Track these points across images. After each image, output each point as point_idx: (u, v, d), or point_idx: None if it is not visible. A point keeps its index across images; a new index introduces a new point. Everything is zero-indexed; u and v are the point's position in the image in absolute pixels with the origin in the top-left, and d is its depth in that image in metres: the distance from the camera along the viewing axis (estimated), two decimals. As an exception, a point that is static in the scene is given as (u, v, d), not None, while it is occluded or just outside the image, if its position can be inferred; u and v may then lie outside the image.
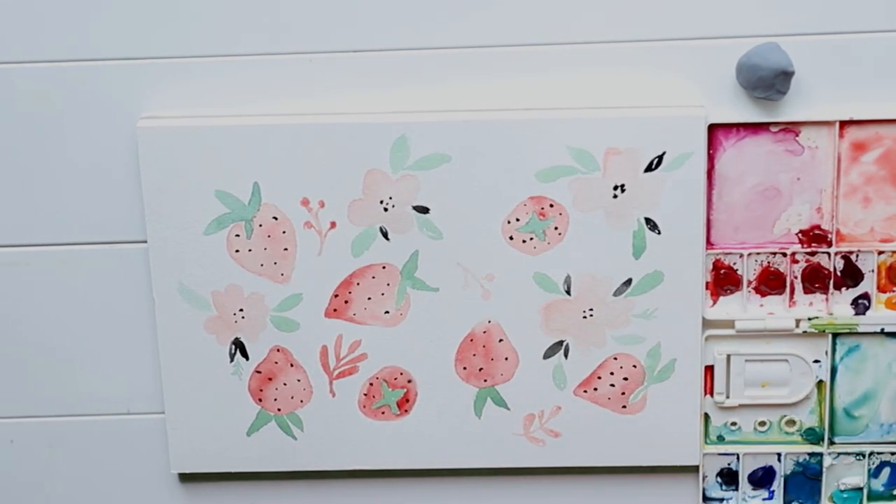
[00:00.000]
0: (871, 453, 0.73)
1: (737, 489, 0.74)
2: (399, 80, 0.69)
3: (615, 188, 0.68)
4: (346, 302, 0.71)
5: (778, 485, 0.74)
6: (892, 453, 0.73)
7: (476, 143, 0.68)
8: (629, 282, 0.69)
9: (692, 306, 0.70)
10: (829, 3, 0.67)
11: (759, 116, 0.68)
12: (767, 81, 0.67)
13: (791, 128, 0.69)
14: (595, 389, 0.71)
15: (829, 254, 0.70)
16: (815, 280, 0.70)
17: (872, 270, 0.70)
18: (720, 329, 0.71)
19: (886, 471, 0.73)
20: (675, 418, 0.72)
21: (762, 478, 0.74)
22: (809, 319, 0.71)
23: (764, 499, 0.74)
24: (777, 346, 0.71)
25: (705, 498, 0.75)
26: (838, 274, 0.70)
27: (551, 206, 0.69)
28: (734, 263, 0.70)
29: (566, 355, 0.71)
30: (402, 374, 0.72)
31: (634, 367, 0.71)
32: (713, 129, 0.69)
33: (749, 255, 0.70)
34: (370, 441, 0.73)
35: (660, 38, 0.68)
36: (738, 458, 0.74)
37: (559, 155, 0.68)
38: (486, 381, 0.72)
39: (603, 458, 0.73)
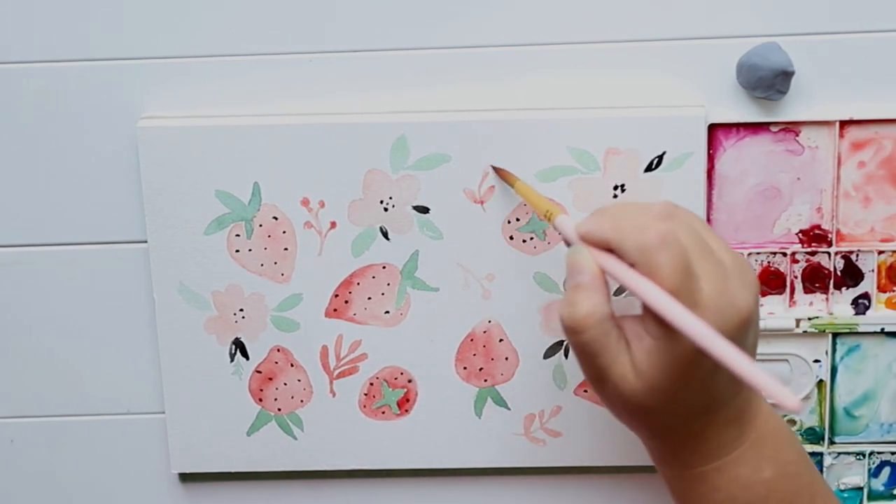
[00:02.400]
0: (871, 453, 0.73)
1: (737, 489, 0.74)
2: (399, 80, 0.69)
3: (615, 188, 0.68)
4: (346, 302, 0.71)
5: (778, 484, 0.74)
6: (893, 453, 0.73)
7: (476, 143, 0.68)
8: (629, 282, 0.69)
9: (692, 306, 0.70)
10: (829, 3, 0.67)
11: (759, 116, 0.68)
12: (767, 81, 0.67)
13: (791, 128, 0.69)
14: (595, 389, 0.71)
15: (829, 254, 0.70)
16: (815, 280, 0.70)
17: (872, 270, 0.70)
18: (720, 329, 0.71)
19: (886, 470, 0.73)
20: (675, 418, 0.72)
21: (762, 477, 0.74)
22: (809, 319, 0.71)
23: (764, 498, 0.74)
24: (777, 346, 0.71)
25: (705, 498, 0.75)
26: (838, 274, 0.70)
27: (551, 206, 0.69)
28: (734, 263, 0.70)
29: (566, 355, 0.71)
30: (402, 373, 0.72)
31: (634, 366, 0.71)
32: (713, 129, 0.69)
33: (749, 255, 0.70)
34: (370, 441, 0.73)
35: (660, 38, 0.68)
36: (738, 458, 0.74)
37: (559, 155, 0.68)
38: (486, 380, 0.72)
39: (603, 458, 0.73)
